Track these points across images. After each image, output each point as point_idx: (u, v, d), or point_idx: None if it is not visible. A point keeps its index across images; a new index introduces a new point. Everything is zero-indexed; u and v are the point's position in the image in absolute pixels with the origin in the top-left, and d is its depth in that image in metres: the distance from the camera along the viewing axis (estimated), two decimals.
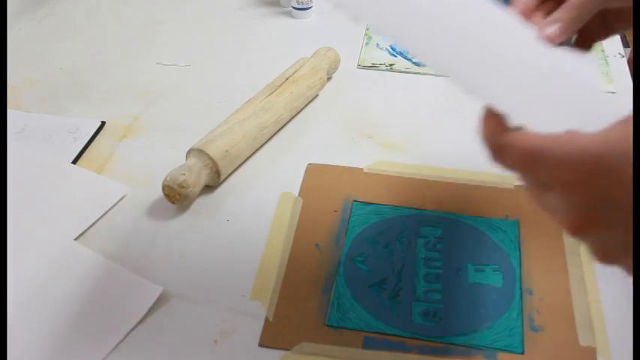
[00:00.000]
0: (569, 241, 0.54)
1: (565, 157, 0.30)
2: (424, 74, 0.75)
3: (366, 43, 0.80)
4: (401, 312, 0.49)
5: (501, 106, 0.33)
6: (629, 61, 0.77)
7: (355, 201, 0.58)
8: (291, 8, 0.86)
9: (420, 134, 0.66)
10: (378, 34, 0.36)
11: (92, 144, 0.65)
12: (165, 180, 0.56)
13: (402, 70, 0.76)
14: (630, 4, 0.42)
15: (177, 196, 0.56)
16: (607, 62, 0.75)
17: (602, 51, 0.77)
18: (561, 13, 0.42)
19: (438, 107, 0.70)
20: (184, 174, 0.56)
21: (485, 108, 0.34)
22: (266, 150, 0.64)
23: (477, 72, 0.37)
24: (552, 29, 0.42)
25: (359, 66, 0.76)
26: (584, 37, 0.45)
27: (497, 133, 0.33)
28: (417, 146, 0.64)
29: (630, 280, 0.33)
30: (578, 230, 0.31)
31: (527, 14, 0.43)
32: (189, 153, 0.59)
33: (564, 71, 0.40)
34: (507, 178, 0.59)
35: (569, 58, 0.41)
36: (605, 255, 0.32)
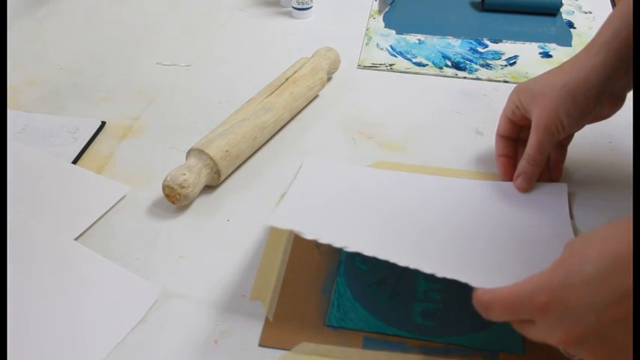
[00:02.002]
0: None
1: (533, 289, 0.38)
2: (424, 74, 0.75)
3: (366, 43, 0.80)
4: (401, 312, 0.49)
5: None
6: None
7: None
8: (291, 8, 0.86)
9: (420, 134, 0.66)
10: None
11: (92, 144, 0.65)
12: (165, 180, 0.56)
13: (402, 70, 0.76)
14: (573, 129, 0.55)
15: (178, 196, 0.56)
16: None
17: None
18: (522, 165, 0.56)
19: (438, 107, 0.70)
20: (184, 174, 0.56)
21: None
22: (266, 150, 0.64)
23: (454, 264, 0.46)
24: (518, 182, 0.56)
25: (359, 66, 0.76)
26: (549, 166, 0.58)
27: (480, 295, 0.40)
28: (417, 146, 0.64)
29: None
30: (569, 342, 0.36)
31: (509, 154, 0.59)
32: (189, 153, 0.59)
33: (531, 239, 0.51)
34: None
35: (539, 211, 0.54)
36: (605, 357, 0.36)
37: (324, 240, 0.44)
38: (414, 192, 0.58)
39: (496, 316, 0.40)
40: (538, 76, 0.56)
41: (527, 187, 0.56)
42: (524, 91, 0.55)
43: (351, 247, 0.45)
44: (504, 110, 0.58)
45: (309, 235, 0.45)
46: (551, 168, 0.58)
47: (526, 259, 0.50)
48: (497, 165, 0.59)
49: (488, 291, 0.40)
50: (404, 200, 0.56)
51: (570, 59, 0.54)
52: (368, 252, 0.44)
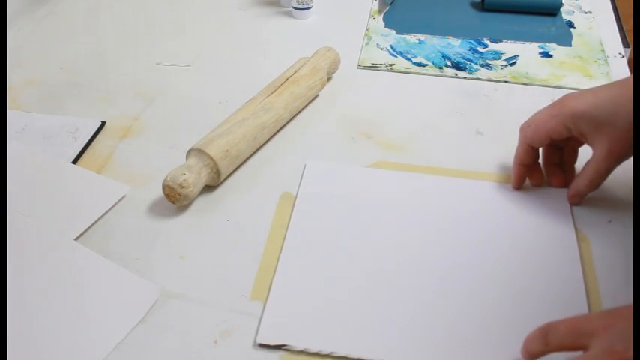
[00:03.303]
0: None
1: (600, 314, 0.43)
2: (424, 74, 0.75)
3: (366, 43, 0.80)
4: None
5: None
6: (629, 61, 0.77)
7: None
8: (291, 8, 0.86)
9: (420, 134, 0.66)
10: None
11: (92, 144, 0.65)
12: (165, 180, 0.56)
13: (402, 70, 0.76)
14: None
15: (178, 196, 0.56)
16: (607, 62, 0.75)
17: (603, 51, 0.77)
18: (580, 187, 0.56)
19: (438, 107, 0.70)
20: (184, 174, 0.56)
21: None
22: (266, 150, 0.64)
23: None
24: (576, 200, 0.56)
25: (359, 66, 0.76)
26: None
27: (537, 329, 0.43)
28: (417, 146, 0.64)
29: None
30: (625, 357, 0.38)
31: (529, 164, 0.58)
32: (189, 153, 0.59)
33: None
34: (507, 177, 0.59)
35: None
36: None
37: (313, 348, 0.46)
38: (415, 195, 0.58)
39: (558, 337, 0.41)
40: (591, 99, 0.53)
41: (579, 203, 0.57)
42: (582, 117, 0.53)
43: (340, 351, 0.46)
44: (544, 128, 0.55)
45: (299, 346, 0.46)
46: (565, 170, 0.59)
47: (527, 269, 0.51)
48: (513, 171, 0.58)
49: (547, 323, 0.42)
50: (406, 206, 0.57)
51: (626, 82, 0.53)
52: (355, 354, 0.46)
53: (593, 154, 0.54)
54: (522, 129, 0.57)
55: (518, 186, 0.58)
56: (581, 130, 0.53)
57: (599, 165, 0.54)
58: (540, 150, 0.58)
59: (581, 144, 0.57)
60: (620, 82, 0.53)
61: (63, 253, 0.53)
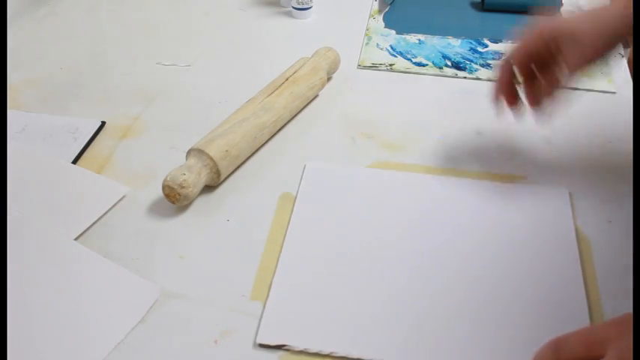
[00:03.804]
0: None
1: (610, 322, 0.43)
2: (424, 74, 0.75)
3: (366, 43, 0.80)
4: None
5: None
6: (629, 61, 0.77)
7: None
8: (291, 8, 0.86)
9: (420, 134, 0.66)
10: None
11: (92, 144, 0.65)
12: (165, 180, 0.56)
13: (402, 70, 0.76)
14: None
15: (178, 196, 0.56)
16: (607, 62, 0.75)
17: None
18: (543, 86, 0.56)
19: (438, 107, 0.70)
20: (184, 174, 0.56)
21: None
22: (266, 150, 0.64)
23: None
24: (533, 103, 0.56)
25: (359, 66, 0.76)
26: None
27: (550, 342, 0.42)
28: (417, 146, 0.64)
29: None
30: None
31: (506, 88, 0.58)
32: (189, 153, 0.59)
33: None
34: (507, 177, 0.59)
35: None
36: None
37: (313, 348, 0.46)
38: (415, 195, 0.58)
39: (571, 348, 0.41)
40: (566, 18, 0.57)
41: (538, 107, 0.57)
42: (560, 30, 0.56)
43: (340, 351, 0.46)
44: (524, 42, 0.58)
45: (299, 346, 0.46)
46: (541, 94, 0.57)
47: (527, 269, 0.51)
48: (496, 90, 0.58)
49: (556, 337, 0.42)
50: (405, 206, 0.57)
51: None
52: (355, 354, 0.45)
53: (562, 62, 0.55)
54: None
55: (510, 102, 0.58)
56: (557, 42, 0.55)
57: (566, 68, 0.54)
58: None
59: (558, 69, 0.56)
60: (594, 8, 0.56)
61: (63, 253, 0.53)
